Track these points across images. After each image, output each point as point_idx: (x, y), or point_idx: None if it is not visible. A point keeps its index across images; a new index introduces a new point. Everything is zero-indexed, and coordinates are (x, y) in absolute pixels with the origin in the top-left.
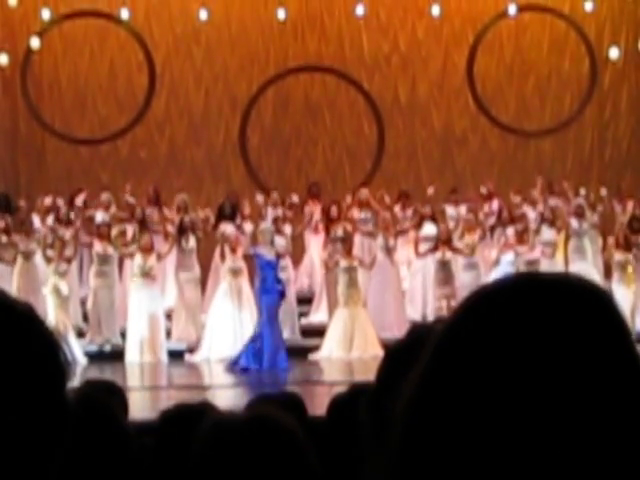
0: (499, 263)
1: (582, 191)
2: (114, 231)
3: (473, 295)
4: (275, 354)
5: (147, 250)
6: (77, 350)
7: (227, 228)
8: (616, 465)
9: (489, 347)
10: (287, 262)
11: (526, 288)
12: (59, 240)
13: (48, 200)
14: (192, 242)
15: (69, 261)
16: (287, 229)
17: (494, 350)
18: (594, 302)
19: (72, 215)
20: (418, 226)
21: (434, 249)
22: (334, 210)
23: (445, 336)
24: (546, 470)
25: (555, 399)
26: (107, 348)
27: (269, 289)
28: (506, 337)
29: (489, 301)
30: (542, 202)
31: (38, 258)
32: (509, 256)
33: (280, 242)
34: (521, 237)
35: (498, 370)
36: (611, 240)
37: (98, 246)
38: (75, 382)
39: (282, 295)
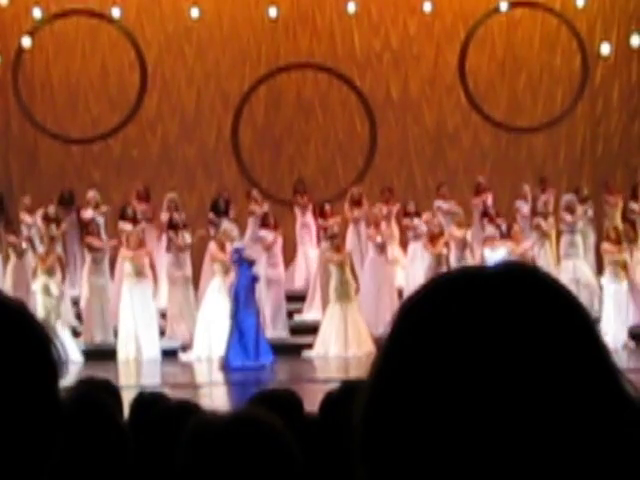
0: (486, 259)
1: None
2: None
3: (420, 288)
4: (257, 344)
5: (139, 248)
6: (72, 348)
7: (224, 224)
8: (571, 437)
9: (431, 337)
10: (278, 260)
11: (463, 280)
12: (48, 238)
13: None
14: (187, 240)
15: (60, 260)
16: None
17: (435, 339)
18: (533, 284)
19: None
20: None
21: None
22: (327, 209)
23: (392, 328)
24: (502, 455)
25: (499, 383)
26: (99, 345)
27: (244, 283)
28: (446, 327)
29: (431, 294)
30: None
31: (30, 256)
32: (502, 251)
33: (265, 235)
34: (509, 232)
35: (441, 359)
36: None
37: (90, 243)
38: (70, 380)
39: (255, 279)
